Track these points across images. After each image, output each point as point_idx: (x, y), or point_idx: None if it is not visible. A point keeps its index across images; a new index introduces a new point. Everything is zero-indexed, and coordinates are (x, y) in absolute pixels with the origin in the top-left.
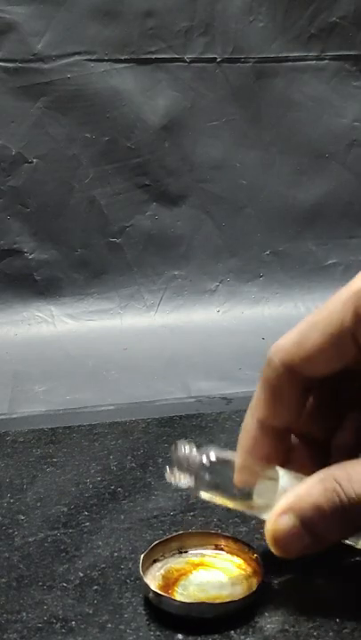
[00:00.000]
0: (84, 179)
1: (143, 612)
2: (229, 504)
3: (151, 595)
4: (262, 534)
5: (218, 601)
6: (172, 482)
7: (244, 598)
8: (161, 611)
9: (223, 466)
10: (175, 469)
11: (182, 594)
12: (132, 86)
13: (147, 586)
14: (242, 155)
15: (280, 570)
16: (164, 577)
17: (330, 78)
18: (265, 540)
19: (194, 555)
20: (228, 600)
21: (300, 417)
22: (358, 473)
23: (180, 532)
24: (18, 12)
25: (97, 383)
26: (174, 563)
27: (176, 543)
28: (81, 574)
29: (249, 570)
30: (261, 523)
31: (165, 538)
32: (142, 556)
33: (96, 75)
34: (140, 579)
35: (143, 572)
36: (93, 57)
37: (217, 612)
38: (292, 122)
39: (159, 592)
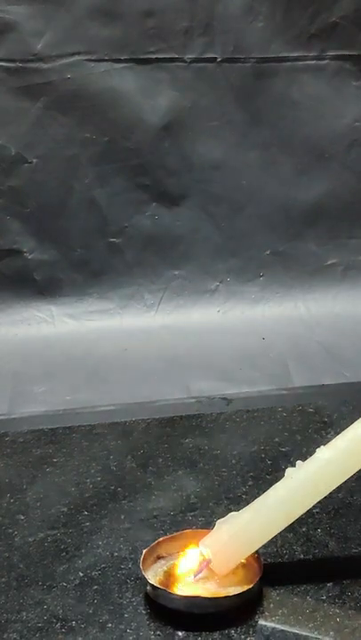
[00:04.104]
0: (83, 179)
1: (143, 611)
2: None
3: (149, 588)
4: None
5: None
6: None
7: (239, 594)
8: (160, 606)
9: None
10: None
11: (182, 590)
12: (132, 86)
13: (145, 579)
14: (242, 155)
15: (281, 569)
16: (166, 573)
17: (330, 78)
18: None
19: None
20: (224, 595)
21: None
22: None
23: (186, 529)
24: (18, 12)
25: (97, 383)
26: (178, 560)
27: (181, 541)
28: (81, 574)
29: (250, 568)
30: None
31: (170, 535)
32: (145, 551)
33: (96, 75)
34: (140, 572)
35: (145, 567)
36: (93, 57)
37: (213, 607)
38: (292, 122)
39: (156, 585)
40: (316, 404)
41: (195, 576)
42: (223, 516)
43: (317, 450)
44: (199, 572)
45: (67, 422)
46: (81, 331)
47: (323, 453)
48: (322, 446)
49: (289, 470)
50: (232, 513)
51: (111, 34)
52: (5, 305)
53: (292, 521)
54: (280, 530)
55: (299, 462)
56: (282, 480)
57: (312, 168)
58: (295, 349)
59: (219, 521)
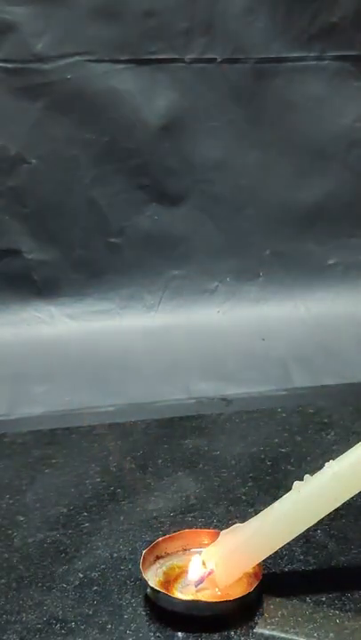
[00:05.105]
0: (83, 179)
1: (143, 612)
2: None
3: (149, 590)
4: None
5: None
6: None
7: (239, 598)
8: (159, 608)
9: None
10: None
11: (181, 591)
12: (132, 87)
13: (145, 582)
14: (242, 155)
15: (280, 571)
16: (165, 573)
17: (330, 78)
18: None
19: (197, 553)
20: (224, 599)
21: None
22: None
23: (185, 529)
24: (18, 13)
25: (96, 384)
26: (177, 560)
27: (180, 541)
28: (80, 575)
29: (249, 571)
30: None
31: (169, 535)
32: (144, 551)
33: (96, 75)
34: (140, 574)
35: (145, 568)
36: (93, 57)
37: (213, 610)
38: (292, 122)
39: (156, 588)
40: (316, 404)
41: (196, 586)
42: (223, 517)
43: (326, 464)
44: (201, 582)
45: (66, 423)
46: (80, 331)
47: (332, 467)
48: (331, 460)
49: (297, 483)
50: (237, 524)
51: (111, 34)
52: (4, 305)
53: (297, 534)
54: (285, 543)
55: (307, 476)
56: (289, 493)
57: (312, 168)
58: (295, 350)
59: (223, 532)
